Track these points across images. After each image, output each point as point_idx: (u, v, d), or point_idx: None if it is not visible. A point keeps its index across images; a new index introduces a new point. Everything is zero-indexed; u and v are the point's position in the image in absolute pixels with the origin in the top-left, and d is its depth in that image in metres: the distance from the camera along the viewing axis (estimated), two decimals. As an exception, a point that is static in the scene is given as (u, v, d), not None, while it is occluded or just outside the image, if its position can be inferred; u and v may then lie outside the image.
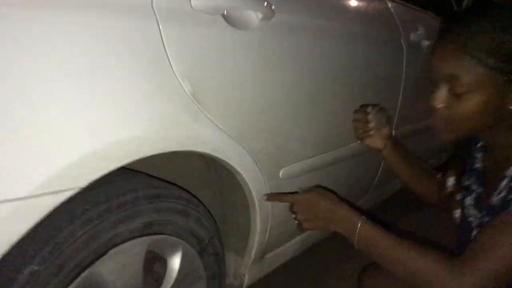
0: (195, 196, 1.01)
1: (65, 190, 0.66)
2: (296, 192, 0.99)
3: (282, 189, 1.14)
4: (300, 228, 0.97)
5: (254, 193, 1.06)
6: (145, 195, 0.85)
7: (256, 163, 1.04)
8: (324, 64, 1.17)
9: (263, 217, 1.12)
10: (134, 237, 0.84)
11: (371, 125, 1.17)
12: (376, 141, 1.19)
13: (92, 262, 0.77)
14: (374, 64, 1.42)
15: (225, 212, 1.19)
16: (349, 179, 1.53)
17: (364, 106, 1.22)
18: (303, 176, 1.22)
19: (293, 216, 0.98)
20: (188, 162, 1.10)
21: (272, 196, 1.07)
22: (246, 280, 1.22)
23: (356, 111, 1.23)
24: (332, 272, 1.80)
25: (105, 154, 0.70)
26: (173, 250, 0.95)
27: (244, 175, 1.01)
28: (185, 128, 0.83)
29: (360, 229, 0.87)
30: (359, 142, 1.25)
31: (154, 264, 0.96)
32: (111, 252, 0.80)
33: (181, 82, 0.81)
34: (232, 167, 0.97)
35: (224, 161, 0.95)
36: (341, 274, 1.78)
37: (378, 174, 1.71)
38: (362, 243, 0.87)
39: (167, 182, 0.97)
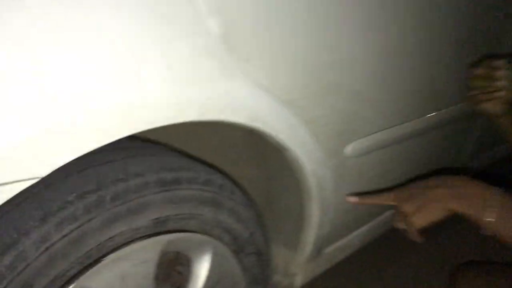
0: (231, 178, 0.76)
1: (11, 183, 0.42)
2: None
3: (347, 170, 0.87)
4: (412, 231, 0.71)
5: (309, 175, 0.79)
6: (156, 181, 0.61)
7: (314, 136, 0.76)
8: (415, 6, 0.84)
9: (322, 206, 0.85)
10: (140, 238, 0.61)
11: (500, 84, 0.86)
12: (496, 105, 0.88)
13: (77, 276, 0.55)
14: (469, 14, 1.05)
15: (273, 196, 0.93)
16: (433, 157, 1.21)
17: (489, 59, 0.90)
18: (375, 153, 0.93)
19: (397, 218, 0.74)
20: (225, 132, 0.84)
21: (361, 199, 0.82)
22: (298, 281, 0.98)
23: (476, 65, 0.91)
24: (393, 260, 1.57)
25: (77, 130, 0.45)
26: (199, 251, 0.71)
27: (296, 152, 0.74)
28: (210, 88, 0.56)
29: (491, 203, 0.64)
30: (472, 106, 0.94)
31: (175, 267, 0.73)
32: (106, 260, 0.57)
33: (206, 17, 0.54)
34: (279, 142, 0.70)
35: (267, 134, 0.68)
36: (402, 262, 1.55)
37: (469, 147, 1.38)
38: (496, 220, 0.64)
39: (194, 159, 0.72)
